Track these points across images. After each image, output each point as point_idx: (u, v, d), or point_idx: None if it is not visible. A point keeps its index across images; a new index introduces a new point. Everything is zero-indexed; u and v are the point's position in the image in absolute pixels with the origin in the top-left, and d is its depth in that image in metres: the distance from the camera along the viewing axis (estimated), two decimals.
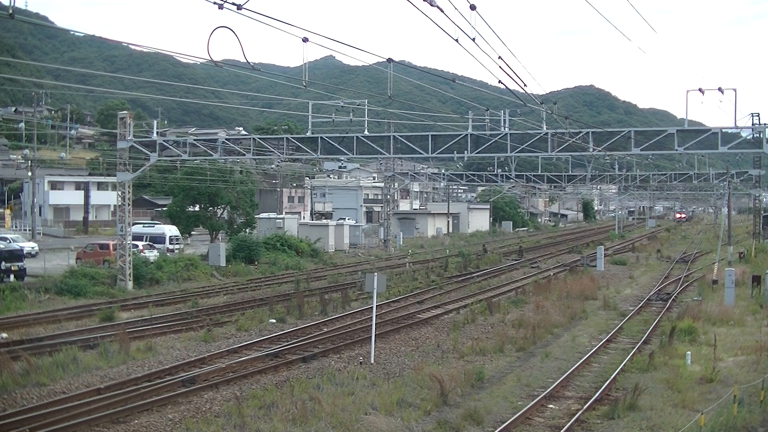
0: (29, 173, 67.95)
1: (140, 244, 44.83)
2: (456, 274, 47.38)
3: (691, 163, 65.41)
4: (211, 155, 38.47)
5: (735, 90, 28.20)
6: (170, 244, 50.57)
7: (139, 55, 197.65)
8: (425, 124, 40.85)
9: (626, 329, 27.98)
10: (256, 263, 48.04)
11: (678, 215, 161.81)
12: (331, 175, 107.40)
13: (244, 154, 38.20)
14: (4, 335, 24.11)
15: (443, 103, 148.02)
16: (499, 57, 16.77)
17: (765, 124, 30.57)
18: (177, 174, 58.88)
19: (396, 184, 76.37)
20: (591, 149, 32.74)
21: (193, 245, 58.94)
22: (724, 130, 30.33)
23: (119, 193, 37.89)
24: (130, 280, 36.53)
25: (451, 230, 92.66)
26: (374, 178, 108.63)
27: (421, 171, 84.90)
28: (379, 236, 72.53)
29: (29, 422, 14.98)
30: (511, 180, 72.40)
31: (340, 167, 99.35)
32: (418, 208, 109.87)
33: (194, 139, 40.86)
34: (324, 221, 72.58)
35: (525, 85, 19.54)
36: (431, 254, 63.91)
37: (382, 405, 16.58)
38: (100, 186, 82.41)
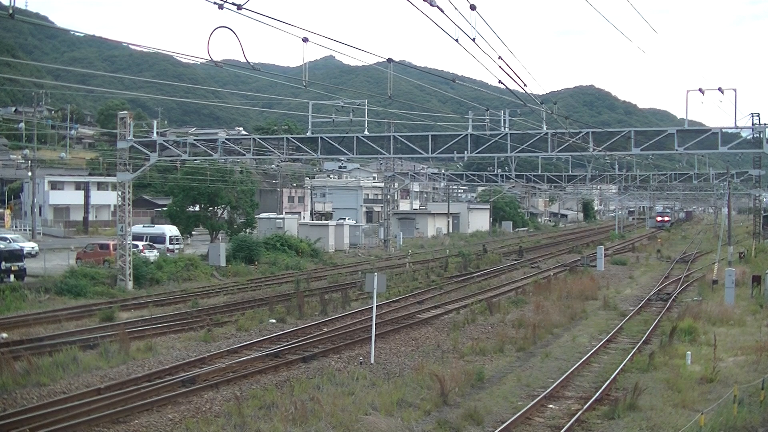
0: (29, 173, 67.95)
1: (140, 244, 44.87)
2: (456, 274, 47.37)
3: (691, 163, 65.31)
4: (211, 155, 38.48)
5: (735, 90, 28.18)
6: (170, 244, 50.59)
7: (139, 55, 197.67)
8: (425, 124, 40.83)
9: (626, 329, 27.97)
10: (256, 263, 48.03)
11: (659, 218, 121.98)
12: (331, 175, 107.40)
13: (244, 154, 38.21)
14: (5, 335, 24.12)
15: (443, 103, 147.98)
16: (499, 57, 16.80)
17: (765, 124, 30.56)
18: (177, 174, 58.95)
19: (396, 184, 76.37)
20: (591, 149, 32.73)
21: (193, 245, 58.93)
22: (724, 130, 30.31)
23: (119, 193, 37.90)
24: (130, 280, 36.53)
25: (451, 230, 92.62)
26: (374, 178, 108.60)
27: (421, 171, 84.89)
28: (379, 236, 72.53)
29: (29, 422, 14.98)
30: (511, 180, 72.40)
31: (340, 167, 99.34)
32: (418, 208, 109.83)
33: (194, 139, 40.90)
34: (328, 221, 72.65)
35: (525, 85, 19.56)
36: (431, 254, 63.89)
37: (382, 405, 16.57)
38: (100, 186, 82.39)
